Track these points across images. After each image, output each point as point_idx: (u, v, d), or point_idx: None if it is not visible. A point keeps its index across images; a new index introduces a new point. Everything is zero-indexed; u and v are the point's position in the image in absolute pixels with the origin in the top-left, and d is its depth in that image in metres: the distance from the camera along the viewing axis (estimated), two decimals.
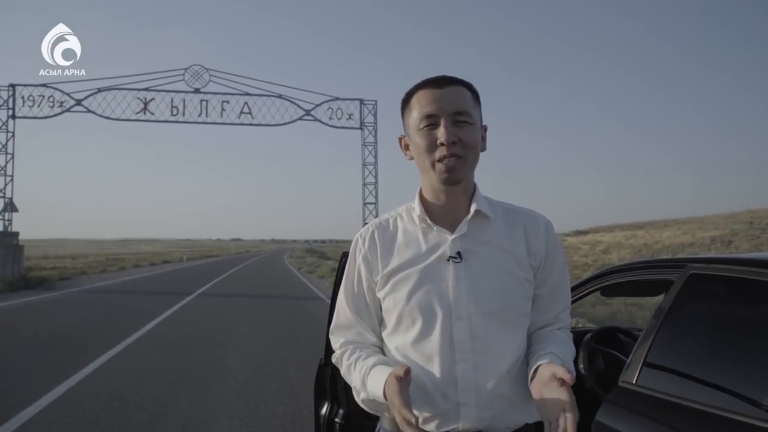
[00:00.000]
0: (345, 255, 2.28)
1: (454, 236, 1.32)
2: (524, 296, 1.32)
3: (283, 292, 17.93)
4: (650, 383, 1.73)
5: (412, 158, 1.38)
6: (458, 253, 1.30)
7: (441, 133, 1.28)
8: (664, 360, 1.81)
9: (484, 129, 1.39)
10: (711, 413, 1.53)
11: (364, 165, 22.32)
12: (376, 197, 22.24)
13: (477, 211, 1.33)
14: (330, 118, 22.07)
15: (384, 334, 1.39)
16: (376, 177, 22.30)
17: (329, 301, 2.33)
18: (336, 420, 2.06)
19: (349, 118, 22.18)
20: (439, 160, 1.29)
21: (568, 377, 1.10)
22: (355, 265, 1.41)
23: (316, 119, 22.03)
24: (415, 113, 1.33)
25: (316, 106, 22.06)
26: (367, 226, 1.46)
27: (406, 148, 1.40)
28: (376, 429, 1.43)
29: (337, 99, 22.18)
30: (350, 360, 1.37)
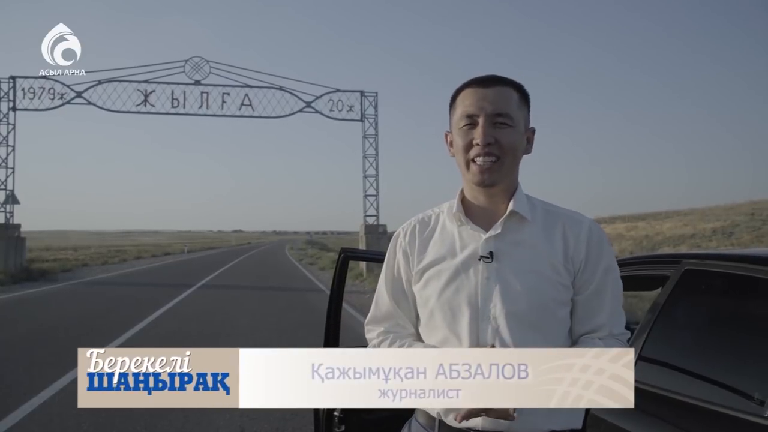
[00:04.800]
0: (343, 251, 2.29)
1: (487, 236, 1.31)
2: (556, 300, 1.29)
3: (284, 284, 17.99)
4: (645, 377, 1.75)
5: (454, 155, 1.38)
6: (490, 252, 1.29)
7: (478, 134, 1.28)
8: (659, 354, 1.83)
9: (531, 131, 1.38)
10: (704, 407, 1.55)
11: (365, 157, 22.27)
12: (376, 189, 22.22)
13: (513, 212, 1.31)
14: (331, 110, 21.99)
15: (419, 327, 1.40)
16: (376, 169, 22.27)
17: (329, 294, 2.34)
18: (335, 414, 2.08)
19: (350, 110, 22.10)
20: (473, 160, 1.30)
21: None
22: (395, 258, 1.44)
23: (316, 111, 21.97)
24: (458, 111, 1.34)
25: (317, 98, 21.97)
26: (410, 220, 1.47)
27: (451, 144, 1.39)
28: (408, 421, 1.43)
29: (338, 91, 22.09)
30: (391, 348, 1.38)
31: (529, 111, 1.37)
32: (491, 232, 1.31)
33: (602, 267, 1.32)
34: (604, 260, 1.32)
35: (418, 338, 1.41)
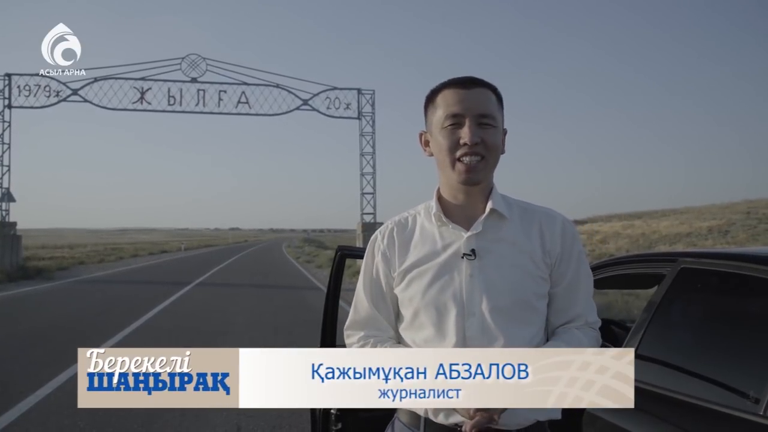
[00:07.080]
0: (340, 249, 2.30)
1: (469, 234, 1.33)
2: (537, 293, 1.34)
3: (281, 282, 17.98)
4: (641, 376, 1.76)
5: (431, 155, 1.40)
6: (472, 250, 1.32)
7: (465, 133, 1.30)
8: (655, 353, 1.84)
9: (504, 132, 1.40)
10: (699, 405, 1.56)
11: (362, 155, 22.28)
12: (373, 187, 22.23)
13: (492, 210, 1.34)
14: (328, 108, 21.98)
15: (401, 329, 1.41)
16: (373, 167, 22.28)
17: (326, 292, 2.35)
18: (332, 411, 2.09)
19: (347, 107, 22.09)
20: (460, 160, 1.31)
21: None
22: (374, 261, 1.44)
23: (313, 109, 21.95)
24: (440, 112, 1.34)
25: (314, 95, 21.96)
26: (386, 223, 1.48)
27: (426, 144, 1.41)
28: (391, 421, 1.44)
29: (335, 89, 22.07)
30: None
31: (503, 113, 1.40)
32: (473, 231, 1.33)
33: (575, 259, 1.38)
34: (576, 253, 1.38)
35: (398, 340, 1.43)
